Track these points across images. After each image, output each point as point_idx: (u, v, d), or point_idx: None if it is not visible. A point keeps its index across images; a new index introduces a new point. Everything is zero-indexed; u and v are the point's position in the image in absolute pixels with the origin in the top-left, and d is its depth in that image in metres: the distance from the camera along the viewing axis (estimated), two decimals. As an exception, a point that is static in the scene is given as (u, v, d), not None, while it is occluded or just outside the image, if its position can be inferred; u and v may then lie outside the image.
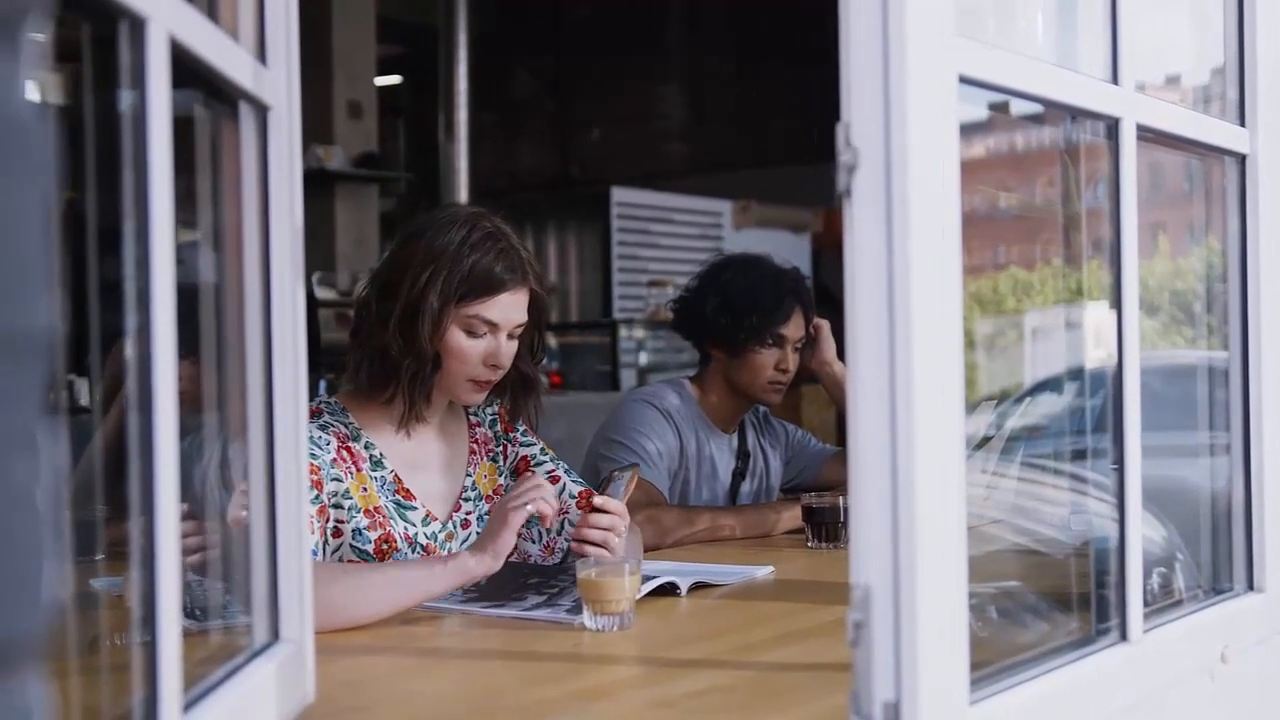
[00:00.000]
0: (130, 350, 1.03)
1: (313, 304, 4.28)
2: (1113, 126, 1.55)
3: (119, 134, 1.04)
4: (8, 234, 0.55)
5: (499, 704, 1.56)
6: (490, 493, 2.39)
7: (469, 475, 2.38)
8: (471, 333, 2.22)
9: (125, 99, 1.03)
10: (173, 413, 1.04)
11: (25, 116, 0.57)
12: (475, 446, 2.41)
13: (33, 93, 0.59)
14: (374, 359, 2.23)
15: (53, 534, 0.58)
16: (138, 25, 1.01)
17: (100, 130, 1.05)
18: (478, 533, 2.32)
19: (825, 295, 3.39)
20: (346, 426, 2.25)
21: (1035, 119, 1.75)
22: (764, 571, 2.39)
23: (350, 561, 2.18)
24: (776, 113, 9.40)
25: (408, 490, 2.27)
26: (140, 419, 1.02)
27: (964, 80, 1.28)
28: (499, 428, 2.45)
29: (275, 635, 1.40)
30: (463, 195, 8.68)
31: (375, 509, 2.22)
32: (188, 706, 1.11)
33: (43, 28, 0.63)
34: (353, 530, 2.18)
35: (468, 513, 2.36)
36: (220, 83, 1.26)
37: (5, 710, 0.57)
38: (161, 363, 1.03)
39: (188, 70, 1.13)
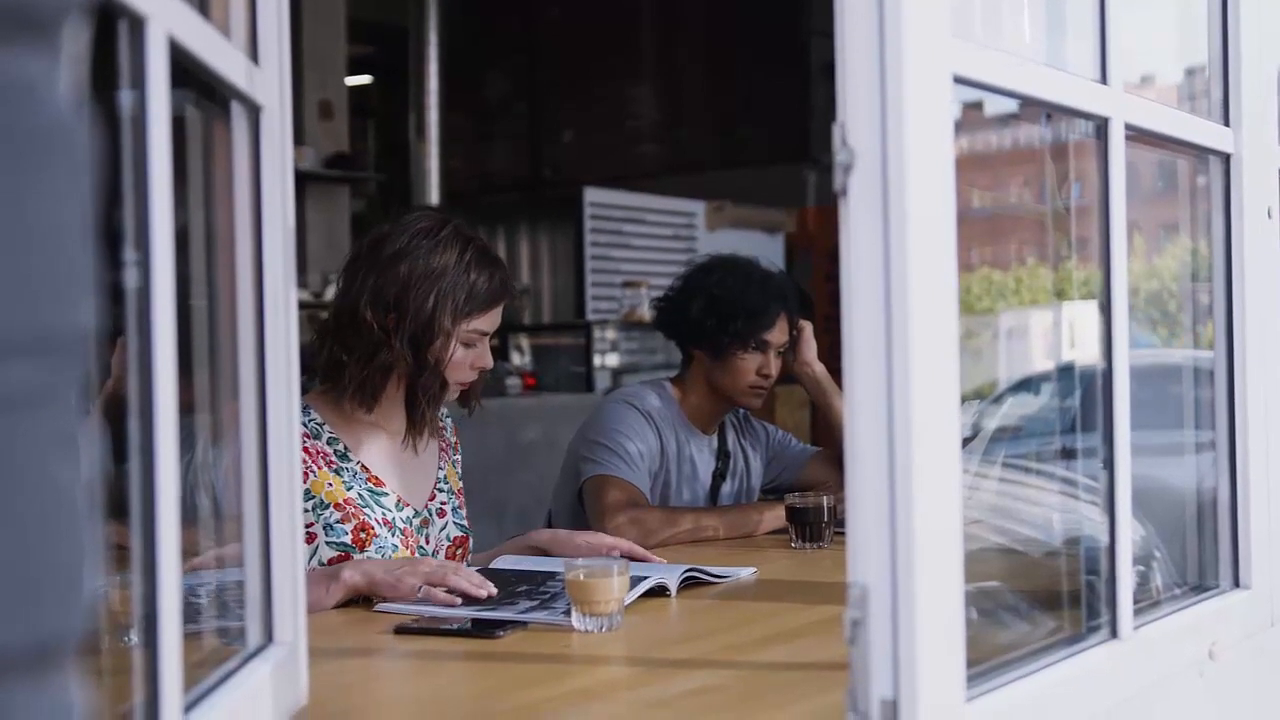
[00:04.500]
0: (127, 351, 1.02)
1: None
2: (1102, 126, 1.56)
3: (117, 133, 1.03)
4: (53, 234, 0.55)
5: (493, 706, 1.55)
6: (456, 489, 2.51)
7: (440, 469, 2.48)
8: (467, 344, 2.34)
9: (123, 98, 1.03)
10: (173, 415, 1.03)
11: (67, 115, 0.57)
12: (444, 446, 2.52)
13: (72, 92, 0.59)
14: (378, 375, 2.30)
15: (92, 534, 0.58)
16: (137, 24, 1.00)
17: (98, 129, 1.04)
18: (454, 522, 2.45)
19: (799, 296, 3.40)
20: (306, 424, 2.27)
21: (1009, 118, 1.76)
22: (748, 572, 2.39)
23: (330, 560, 2.21)
24: (749, 113, 9.43)
25: (377, 478, 2.34)
26: (140, 422, 1.02)
27: (958, 80, 1.28)
28: (453, 439, 2.58)
29: (269, 638, 1.39)
30: (434, 196, 8.66)
31: (345, 501, 2.28)
32: (187, 709, 1.10)
33: (83, 26, 0.63)
34: (324, 527, 2.24)
35: (442, 503, 2.45)
36: (215, 82, 1.25)
37: (55, 707, 0.57)
38: (162, 364, 1.02)
39: (182, 70, 1.12)
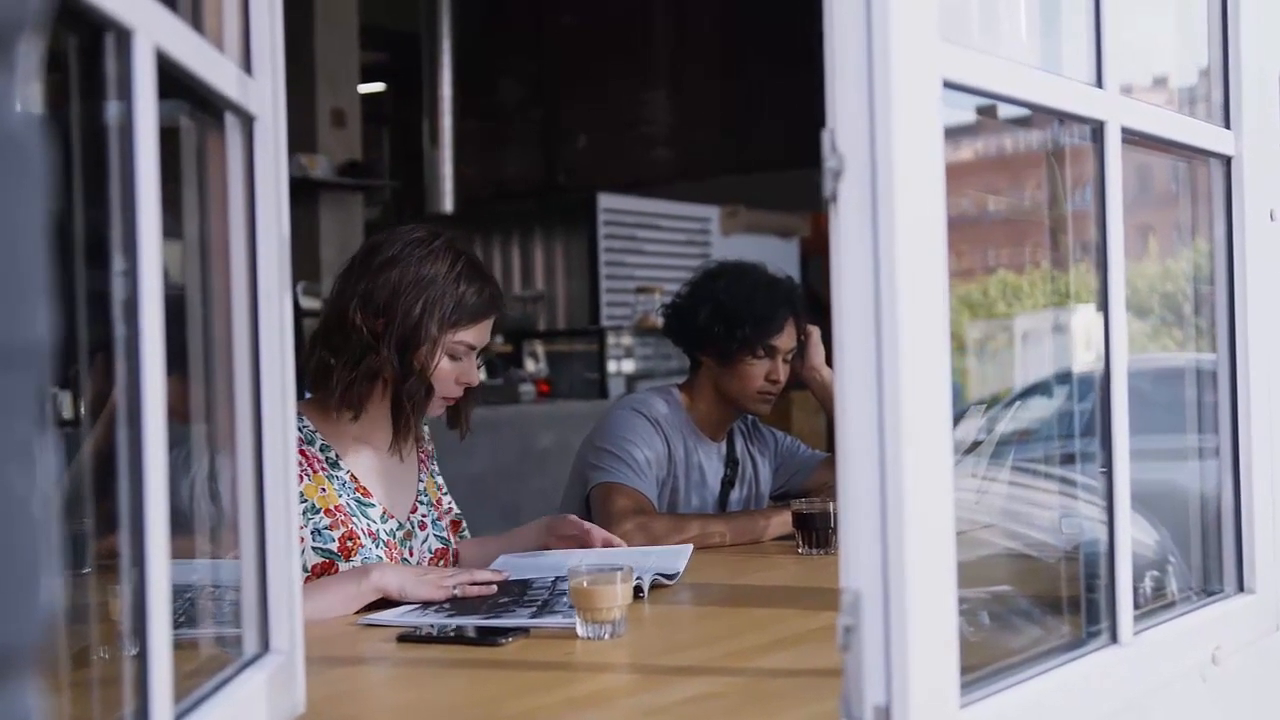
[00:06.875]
0: (119, 363, 1.03)
1: (297, 314, 4.37)
2: (1098, 130, 1.55)
3: (105, 145, 1.04)
4: (6, 246, 0.56)
5: (492, 714, 1.55)
6: (435, 501, 2.52)
7: (420, 482, 2.50)
8: (453, 356, 2.36)
9: (111, 110, 1.03)
10: (161, 425, 1.04)
11: (21, 128, 0.57)
12: (423, 457, 2.54)
13: (28, 104, 0.59)
14: (365, 380, 2.32)
15: (49, 543, 0.58)
16: (124, 36, 1.01)
17: (86, 141, 1.05)
18: (435, 535, 2.47)
19: (813, 301, 3.39)
20: (301, 430, 2.29)
21: (1021, 122, 1.75)
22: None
23: (315, 565, 2.22)
24: (763, 117, 9.42)
25: (365, 488, 2.37)
26: (129, 432, 1.02)
27: (948, 85, 1.28)
28: (430, 447, 2.60)
29: (265, 646, 1.39)
30: (448, 203, 8.67)
31: (336, 508, 2.30)
32: (180, 717, 1.10)
33: (38, 39, 0.63)
34: (314, 531, 2.26)
35: (423, 515, 2.47)
36: (206, 93, 1.25)
37: (10, 716, 0.57)
38: (150, 375, 1.02)
39: (173, 81, 1.13)
